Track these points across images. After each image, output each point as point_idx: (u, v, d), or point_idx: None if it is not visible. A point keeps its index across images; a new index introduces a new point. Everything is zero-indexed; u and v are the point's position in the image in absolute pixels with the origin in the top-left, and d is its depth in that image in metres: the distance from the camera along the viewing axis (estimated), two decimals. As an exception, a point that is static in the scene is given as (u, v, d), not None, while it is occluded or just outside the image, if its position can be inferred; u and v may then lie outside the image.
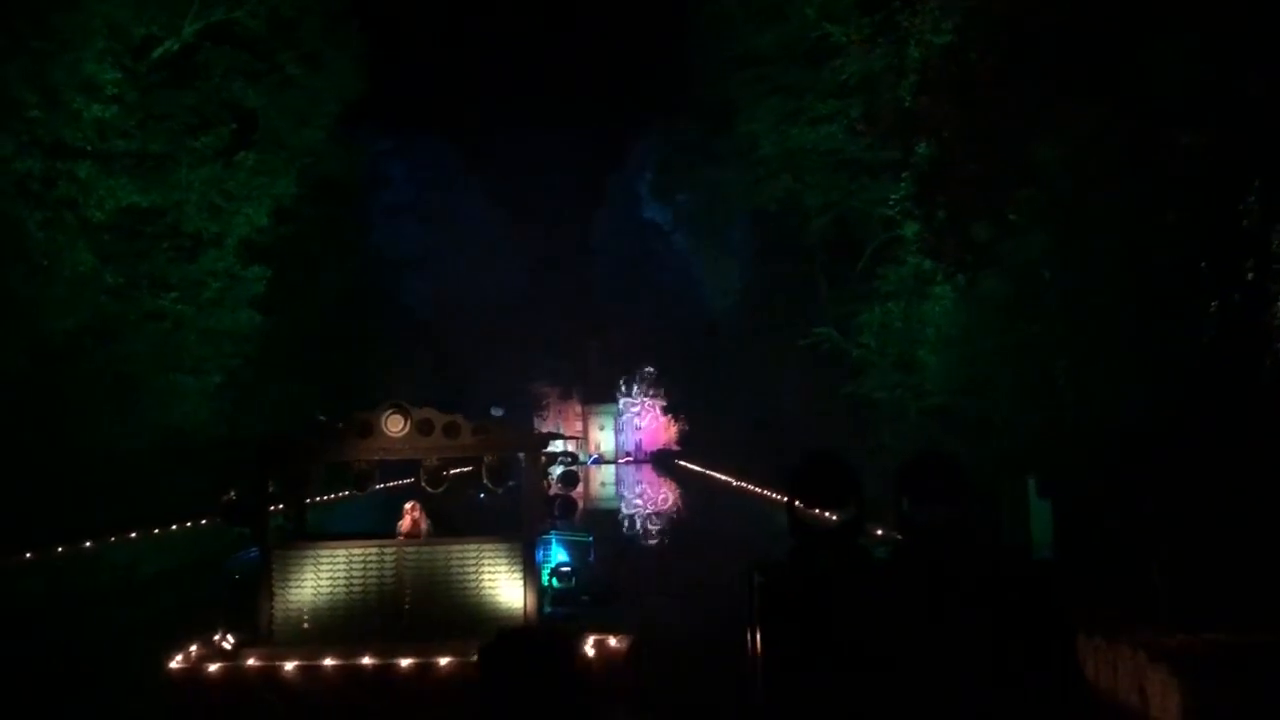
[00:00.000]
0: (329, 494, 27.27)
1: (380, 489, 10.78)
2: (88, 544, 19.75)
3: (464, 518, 12.32)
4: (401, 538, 10.55)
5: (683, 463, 65.53)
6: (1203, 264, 13.31)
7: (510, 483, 10.32)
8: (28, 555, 17.80)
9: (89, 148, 21.76)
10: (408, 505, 10.94)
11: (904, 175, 19.77)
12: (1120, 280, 14.92)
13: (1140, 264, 14.32)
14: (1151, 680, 8.16)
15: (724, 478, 44.42)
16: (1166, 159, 13.28)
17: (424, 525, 10.79)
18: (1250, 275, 12.60)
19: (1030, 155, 15.50)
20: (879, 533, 13.52)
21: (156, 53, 23.95)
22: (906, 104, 18.52)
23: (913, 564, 3.11)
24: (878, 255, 26.50)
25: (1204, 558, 10.31)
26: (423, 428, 9.59)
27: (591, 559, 15.23)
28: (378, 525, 12.88)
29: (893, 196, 21.46)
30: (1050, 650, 2.99)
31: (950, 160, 16.53)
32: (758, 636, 3.18)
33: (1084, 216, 15.25)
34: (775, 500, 27.88)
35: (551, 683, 7.00)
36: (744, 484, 38.04)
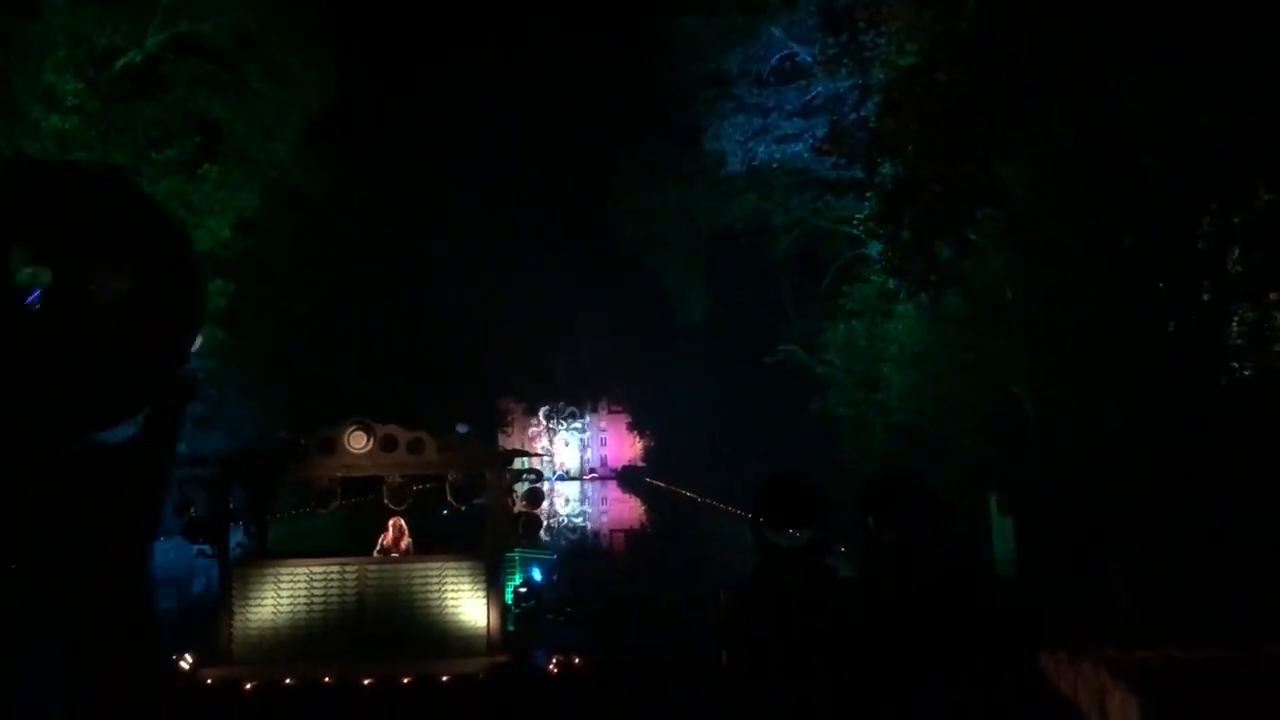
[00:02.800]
0: (296, 510, 26.99)
1: (344, 505, 10.65)
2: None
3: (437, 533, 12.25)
4: (378, 554, 10.46)
5: (649, 480, 65.49)
6: (1160, 285, 13.53)
7: (476, 500, 10.26)
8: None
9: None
10: (391, 521, 10.84)
11: (868, 194, 19.95)
12: (1081, 300, 15.12)
13: (1100, 284, 14.52)
14: (1112, 696, 8.22)
15: (689, 494, 44.41)
16: (1126, 183, 13.50)
17: (405, 542, 10.69)
18: (1207, 296, 12.82)
19: (993, 176, 15.70)
20: (842, 550, 13.57)
21: (119, 64, 23.71)
22: (871, 124, 18.71)
23: (879, 583, 3.12)
24: (843, 273, 26.69)
25: (1166, 572, 10.43)
26: (386, 444, 9.51)
27: (555, 577, 15.19)
28: (348, 543, 12.76)
29: (857, 215, 21.64)
30: (1016, 666, 3.01)
31: (914, 180, 16.70)
32: (723, 654, 3.18)
33: (1045, 237, 15.45)
34: (741, 517, 27.89)
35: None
36: (709, 500, 38.06)
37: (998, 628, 3.00)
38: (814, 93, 24.24)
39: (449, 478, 9.81)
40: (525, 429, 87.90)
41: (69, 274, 2.27)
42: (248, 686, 8.32)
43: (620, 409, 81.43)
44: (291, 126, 27.93)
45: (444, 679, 8.31)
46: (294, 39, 27.08)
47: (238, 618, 9.34)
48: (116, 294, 2.33)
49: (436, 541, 11.16)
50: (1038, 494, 14.91)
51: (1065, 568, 12.57)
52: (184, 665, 8.94)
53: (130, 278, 2.34)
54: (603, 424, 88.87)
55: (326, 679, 8.38)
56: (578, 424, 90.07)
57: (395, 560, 9.88)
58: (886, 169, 18.49)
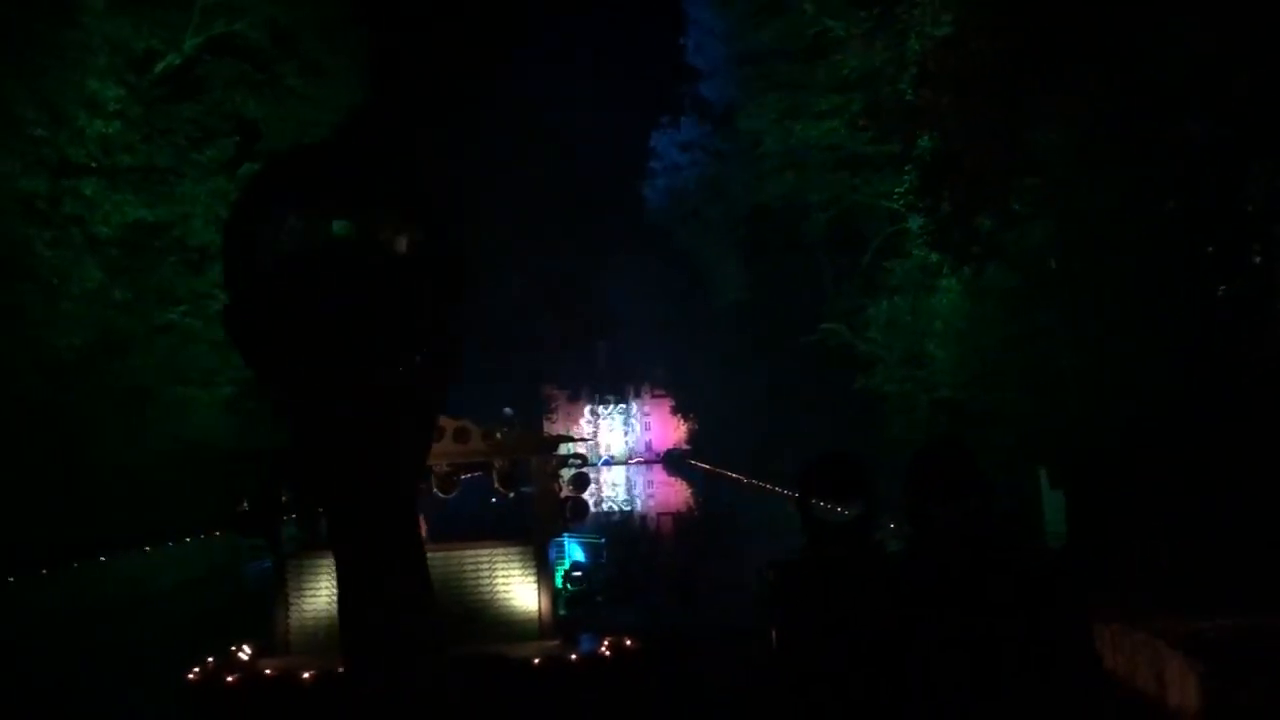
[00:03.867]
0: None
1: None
2: (101, 558, 19.83)
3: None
4: None
5: (694, 462, 65.52)
6: (1209, 249, 13.28)
7: (523, 488, 10.32)
8: (43, 571, 17.88)
9: (94, 164, 21.85)
10: None
11: (907, 168, 19.73)
12: (1125, 267, 14.88)
13: (1145, 250, 14.28)
14: (1169, 666, 8.16)
15: (735, 476, 44.41)
16: (1169, 145, 13.25)
17: (423, 531, 10.78)
18: (1257, 259, 12.57)
19: (1032, 144, 15.47)
20: (892, 527, 13.53)
21: (158, 67, 24.03)
22: (907, 97, 18.49)
23: (927, 557, 3.11)
24: (883, 249, 26.47)
25: (1217, 542, 10.29)
26: (433, 434, 9.60)
27: (604, 560, 15.28)
28: None
29: (896, 190, 21.43)
30: (1068, 638, 2.99)
31: (953, 152, 16.48)
32: (772, 632, 3.19)
33: (1087, 204, 15.21)
34: (787, 497, 27.86)
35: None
36: (755, 482, 38.03)
37: (1046, 600, 2.98)
38: (849, 68, 24.00)
39: (495, 465, 9.88)
40: (570, 415, 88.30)
41: (375, 232, 2.79)
42: (305, 676, 8.46)
43: (664, 393, 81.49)
44: (326, 122, 28.14)
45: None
46: (326, 35, 27.28)
47: (293, 609, 9.48)
48: (410, 246, 2.80)
49: (486, 529, 11.26)
50: (1089, 466, 14.74)
51: (1118, 540, 12.44)
52: (242, 656, 9.11)
53: (419, 232, 2.81)
54: (646, 408, 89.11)
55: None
56: (622, 409, 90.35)
57: (447, 547, 9.97)
58: (924, 142, 18.28)
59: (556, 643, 9.16)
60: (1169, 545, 10.03)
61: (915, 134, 18.56)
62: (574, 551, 14.13)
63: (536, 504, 10.06)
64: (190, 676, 8.57)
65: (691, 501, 46.74)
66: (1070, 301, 16.46)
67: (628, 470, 77.66)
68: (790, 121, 26.98)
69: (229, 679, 8.51)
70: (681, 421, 74.98)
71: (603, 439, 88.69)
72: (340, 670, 3.07)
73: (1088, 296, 15.93)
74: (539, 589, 9.62)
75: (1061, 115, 14.67)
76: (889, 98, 20.76)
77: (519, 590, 9.59)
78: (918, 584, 3.04)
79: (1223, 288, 13.14)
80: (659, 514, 40.67)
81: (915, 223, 21.08)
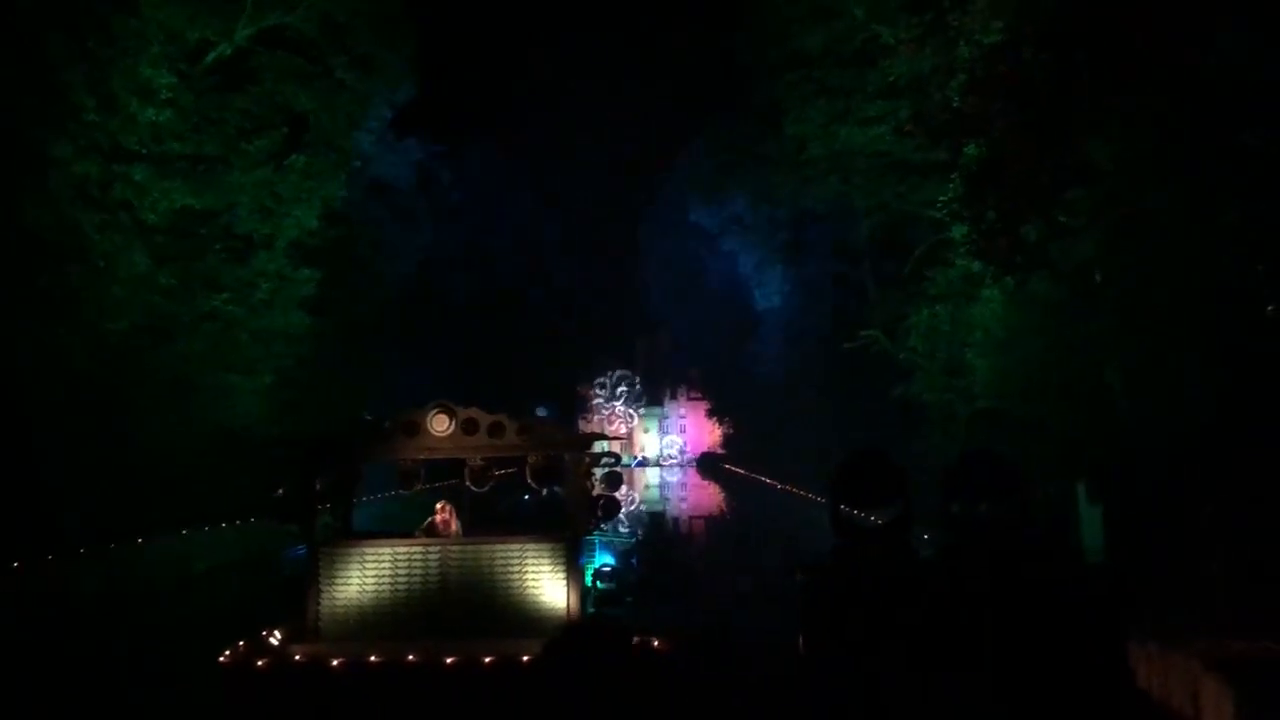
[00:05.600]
0: (376, 494, 27.55)
1: (424, 489, 10.84)
2: (140, 540, 20.10)
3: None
4: (420, 533, 10.61)
5: (728, 466, 65.34)
6: (1259, 267, 13.03)
7: (555, 487, 10.32)
8: (82, 551, 18.15)
9: (144, 151, 22.16)
10: (439, 505, 10.99)
11: (953, 176, 19.52)
12: (1175, 282, 14.64)
13: (1195, 266, 14.05)
14: (1205, 688, 7.99)
15: (769, 480, 44.23)
16: (1223, 157, 13.02)
17: (454, 525, 10.83)
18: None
19: (1082, 154, 15.26)
20: (925, 536, 13.39)
21: (210, 57, 24.32)
22: (955, 104, 18.30)
23: (959, 563, 3.06)
24: (926, 257, 26.25)
25: (1262, 564, 10.08)
26: (467, 427, 9.62)
27: (635, 561, 15.26)
28: (392, 525, 13.00)
29: (941, 198, 21.24)
30: (1101, 654, 2.93)
31: (1000, 160, 16.28)
32: (801, 632, 3.16)
33: (1137, 217, 14.98)
34: (819, 504, 27.71)
35: (613, 676, 7.02)
36: (788, 487, 37.86)
37: (1079, 608, 2.93)
38: (897, 74, 23.80)
39: (528, 460, 9.90)
40: (604, 415, 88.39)
41: None
42: (335, 663, 8.52)
43: (699, 396, 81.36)
44: (376, 116, 28.38)
45: (524, 659, 8.39)
46: (377, 29, 27.49)
47: (325, 596, 9.57)
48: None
49: (516, 525, 11.29)
50: (1128, 481, 14.52)
51: (1157, 558, 12.24)
52: (273, 641, 9.19)
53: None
54: (682, 410, 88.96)
55: (411, 657, 8.53)
56: (657, 410, 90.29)
57: (478, 541, 10.00)
58: (971, 150, 18.07)
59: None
60: (1212, 563, 9.83)
61: (962, 141, 18.36)
62: (604, 551, 14.12)
63: (568, 501, 10.06)
64: (222, 660, 8.65)
65: (724, 505, 46.61)
66: (1116, 316, 16.22)
67: (661, 472, 77.58)
68: (837, 126, 26.81)
69: (259, 663, 8.59)
70: (716, 425, 74.81)
71: (637, 440, 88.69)
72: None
73: (1134, 311, 15.69)
74: (568, 585, 9.63)
75: (1112, 125, 14.45)
76: (937, 104, 20.54)
77: (548, 586, 9.60)
78: (950, 591, 2.99)
79: (1270, 307, 12.88)
80: (691, 516, 40.60)
81: (959, 231, 20.87)
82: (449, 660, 8.48)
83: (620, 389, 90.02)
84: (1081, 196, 15.81)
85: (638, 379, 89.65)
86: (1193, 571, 10.91)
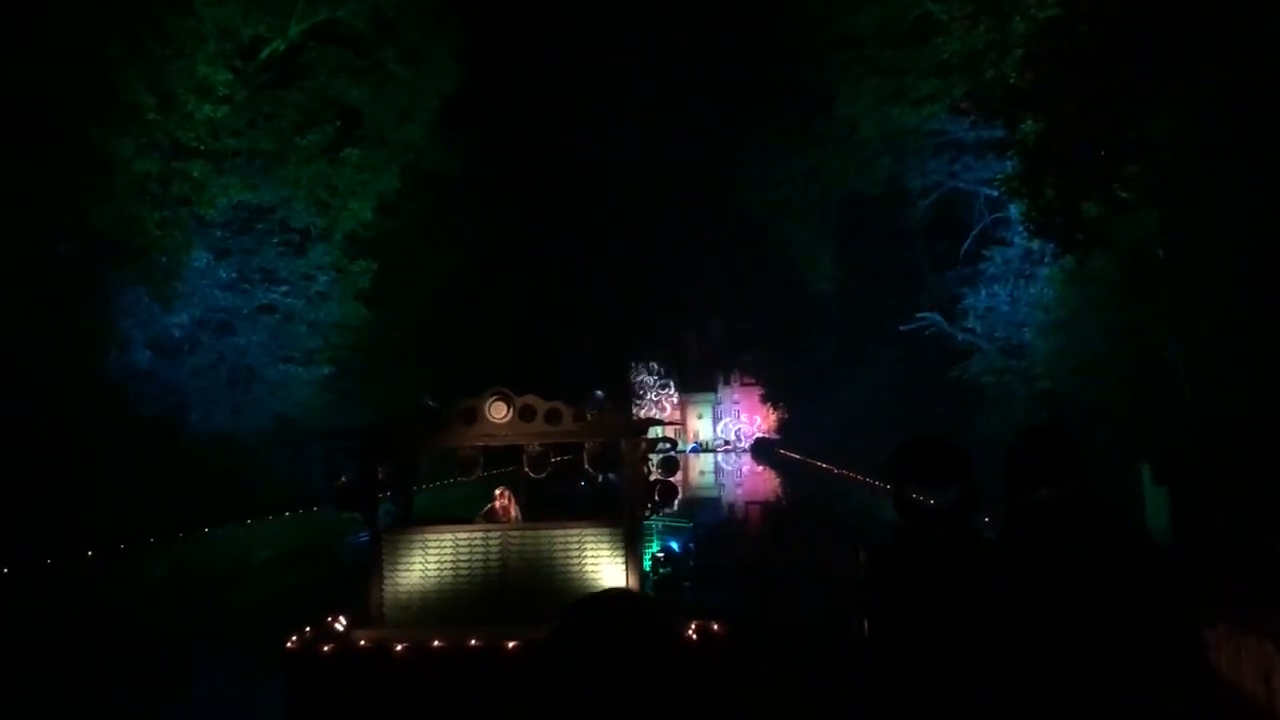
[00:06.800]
0: (433, 482, 27.85)
1: (483, 476, 10.95)
2: (205, 530, 20.51)
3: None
4: (480, 519, 10.73)
5: (783, 451, 65.13)
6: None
7: (612, 473, 10.34)
8: (150, 540, 18.57)
9: (202, 147, 22.54)
10: (498, 491, 11.07)
11: (1009, 154, 19.25)
12: (1239, 258, 14.31)
13: (1260, 241, 13.71)
14: (1278, 670, 7.85)
15: (824, 465, 44.02)
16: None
17: (513, 511, 10.91)
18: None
19: (1142, 129, 14.95)
20: (986, 520, 13.26)
21: (264, 53, 24.65)
22: (1011, 80, 18.02)
23: (1025, 545, 3.02)
24: (983, 237, 25.92)
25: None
26: (525, 414, 9.67)
27: (692, 545, 15.27)
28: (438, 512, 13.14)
29: (998, 176, 20.94)
30: (1175, 636, 2.88)
31: (1057, 136, 16.01)
32: (864, 618, 3.14)
33: (1199, 192, 14.65)
34: (876, 487, 27.52)
35: (639, 654, 6.99)
36: (845, 471, 37.65)
37: (1148, 590, 2.88)
38: (950, 51, 23.47)
39: (585, 447, 9.93)
40: (658, 401, 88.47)
41: None
42: (398, 649, 8.63)
43: (753, 381, 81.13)
44: (426, 108, 28.56)
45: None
46: (425, 21, 27.66)
47: (387, 582, 9.68)
48: None
49: (575, 511, 11.35)
50: (1194, 462, 14.25)
51: (1226, 539, 12.01)
52: (338, 627, 9.33)
53: None
54: (736, 396, 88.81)
55: (473, 641, 8.62)
56: (711, 396, 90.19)
57: (538, 527, 10.07)
58: (1028, 126, 17.78)
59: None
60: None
61: (1018, 118, 18.07)
62: (661, 536, 14.15)
63: (625, 487, 10.09)
64: (288, 645, 8.80)
65: (779, 490, 46.49)
66: (1179, 293, 15.90)
67: (715, 458, 77.54)
68: (889, 106, 26.52)
69: (325, 649, 8.72)
70: (771, 410, 74.58)
71: (691, 426, 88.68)
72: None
73: (1198, 288, 15.37)
74: (627, 571, 9.66)
75: (1173, 100, 14.14)
76: (991, 81, 20.24)
77: (607, 571, 9.64)
78: (1015, 572, 2.96)
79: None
80: (747, 502, 40.55)
81: (1016, 209, 20.57)
82: (510, 644, 8.55)
83: (673, 377, 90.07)
84: (1142, 172, 15.49)
85: (691, 365, 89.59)
86: (1262, 552, 10.70)
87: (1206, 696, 2.89)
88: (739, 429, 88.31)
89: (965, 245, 26.95)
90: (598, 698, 6.91)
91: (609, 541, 9.69)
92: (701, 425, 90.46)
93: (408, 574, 9.69)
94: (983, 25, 20.82)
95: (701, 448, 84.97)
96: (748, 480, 54.18)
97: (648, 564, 11.78)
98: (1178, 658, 2.86)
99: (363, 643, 8.88)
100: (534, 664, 7.90)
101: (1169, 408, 16.31)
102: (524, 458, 10.11)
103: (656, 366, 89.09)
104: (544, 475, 10.16)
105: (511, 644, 8.55)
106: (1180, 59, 13.55)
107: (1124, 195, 15.96)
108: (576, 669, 6.95)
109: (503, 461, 11.40)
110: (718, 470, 61.75)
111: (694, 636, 8.76)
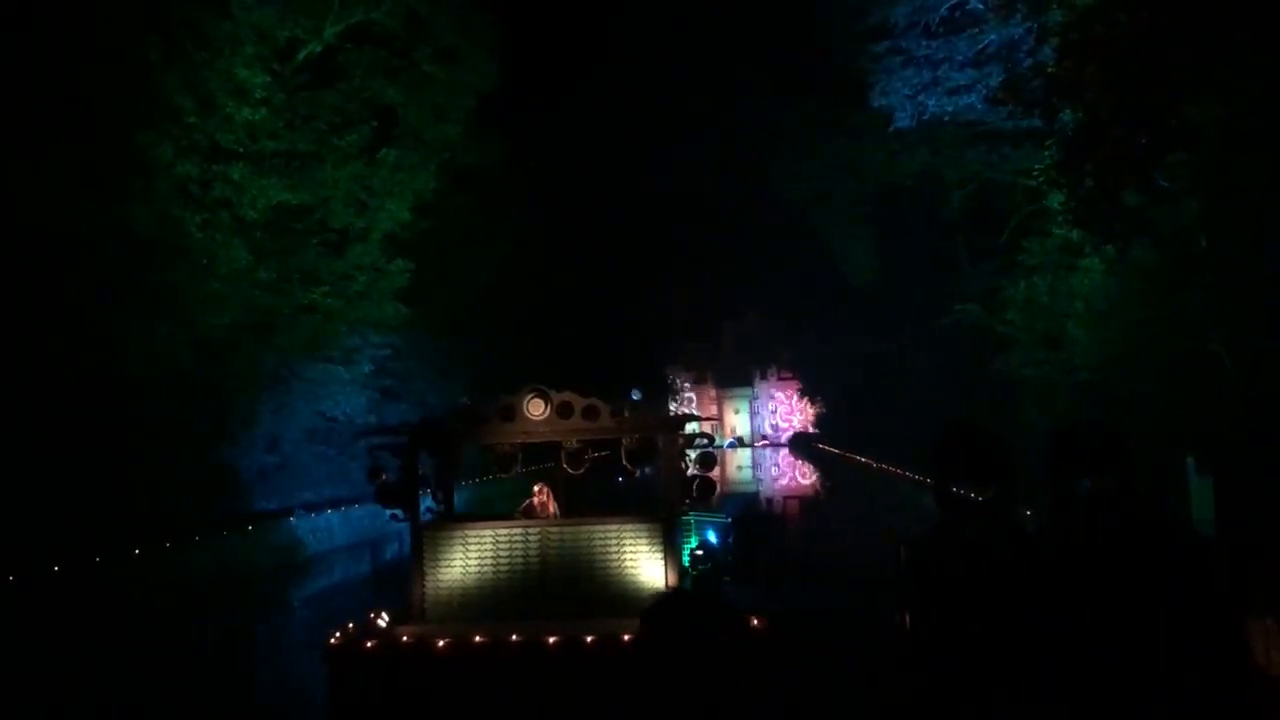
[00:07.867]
0: (471, 479, 28.01)
1: (522, 472, 11.01)
2: (250, 528, 20.78)
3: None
4: (520, 514, 10.80)
5: (820, 445, 64.85)
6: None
7: (649, 469, 10.38)
8: (197, 538, 18.84)
9: (241, 149, 22.78)
10: (536, 487, 11.14)
11: (1048, 143, 19.03)
12: (1282, 248, 14.07)
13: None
14: (1327, 666, 7.73)
15: (863, 459, 43.79)
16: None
17: (552, 507, 10.97)
18: None
19: (1182, 117, 14.73)
20: (1028, 513, 13.14)
21: (300, 55, 24.86)
22: (1049, 69, 17.80)
23: (1067, 538, 3.01)
24: (1021, 228, 25.66)
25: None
26: (563, 411, 9.73)
27: (730, 540, 15.26)
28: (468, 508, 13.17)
29: (1036, 166, 20.71)
30: (1217, 629, 2.86)
31: (1097, 125, 15.81)
32: (905, 612, 3.14)
33: (1242, 181, 14.42)
34: (916, 481, 27.36)
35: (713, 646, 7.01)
36: (884, 466, 37.44)
37: (1193, 583, 2.86)
38: (986, 40, 23.23)
39: (623, 443, 9.97)
40: (696, 397, 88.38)
41: None
42: (440, 644, 8.71)
43: (790, 375, 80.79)
44: (461, 106, 28.66)
45: (625, 638, 8.47)
46: (458, 20, 27.76)
47: (429, 579, 9.78)
48: None
49: (613, 506, 11.39)
50: (1239, 453, 14.05)
51: (1272, 531, 11.83)
52: (380, 623, 9.44)
53: None
54: (773, 391, 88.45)
55: (514, 637, 8.68)
56: (747, 391, 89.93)
57: (577, 522, 10.12)
58: (1067, 115, 17.57)
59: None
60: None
61: (1056, 107, 17.85)
62: (699, 531, 14.15)
63: (663, 482, 10.12)
64: (332, 641, 8.91)
65: (818, 484, 46.31)
66: (1221, 283, 15.66)
67: (753, 453, 77.34)
68: (925, 97, 26.28)
69: (368, 644, 8.83)
70: (808, 405, 74.20)
71: (728, 421, 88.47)
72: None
73: (1241, 277, 15.13)
74: (665, 565, 9.69)
75: (1214, 88, 13.92)
76: (1029, 71, 20.02)
77: (646, 566, 9.68)
78: (1058, 564, 2.95)
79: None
80: (785, 497, 40.44)
81: (1055, 200, 20.34)
82: (551, 640, 8.61)
83: (710, 372, 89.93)
84: (1183, 161, 15.28)
85: (727, 360, 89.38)
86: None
87: (1243, 687, 2.86)
88: (776, 423, 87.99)
89: (1003, 236, 26.70)
90: (689, 697, 6.92)
91: (648, 536, 9.73)
92: (739, 420, 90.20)
93: (449, 569, 9.78)
94: (1019, 14, 20.61)
95: (739, 443, 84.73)
96: (785, 474, 54.02)
97: (686, 559, 11.79)
98: (1216, 648, 2.84)
99: (405, 639, 8.97)
100: (623, 663, 7.93)
101: (1212, 399, 16.07)
102: (562, 454, 10.16)
103: (694, 359, 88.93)
104: (582, 471, 10.21)
105: (553, 640, 8.61)
106: (1224, 45, 13.33)
107: (1165, 184, 15.76)
108: (671, 668, 6.95)
109: (541, 458, 11.46)
110: (755, 464, 61.60)
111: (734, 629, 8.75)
